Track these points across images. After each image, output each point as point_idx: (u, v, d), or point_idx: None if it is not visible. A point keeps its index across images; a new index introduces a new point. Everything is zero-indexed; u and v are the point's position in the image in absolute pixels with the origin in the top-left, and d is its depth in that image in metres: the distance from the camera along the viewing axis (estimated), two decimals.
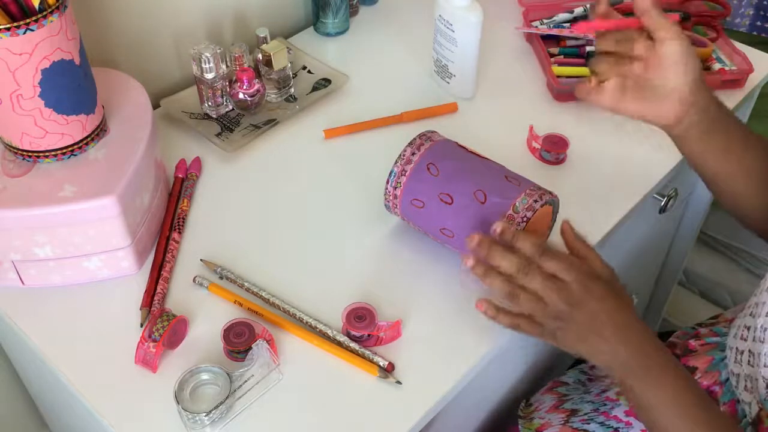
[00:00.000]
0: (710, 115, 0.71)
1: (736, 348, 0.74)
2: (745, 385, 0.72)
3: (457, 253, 0.78)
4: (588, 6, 1.06)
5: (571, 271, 0.65)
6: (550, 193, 0.73)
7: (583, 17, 1.07)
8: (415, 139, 0.77)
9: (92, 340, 0.72)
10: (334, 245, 0.81)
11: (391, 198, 0.77)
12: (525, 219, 0.71)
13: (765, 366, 0.67)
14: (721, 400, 0.76)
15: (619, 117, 0.78)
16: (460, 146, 0.78)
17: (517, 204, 0.71)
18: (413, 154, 0.76)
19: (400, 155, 0.76)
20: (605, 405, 0.86)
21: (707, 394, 0.65)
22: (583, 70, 1.00)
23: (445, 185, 0.74)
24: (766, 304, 0.69)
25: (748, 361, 0.71)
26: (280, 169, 0.90)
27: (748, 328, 0.72)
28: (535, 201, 0.72)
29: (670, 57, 0.67)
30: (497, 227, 0.67)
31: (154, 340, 0.68)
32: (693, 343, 0.84)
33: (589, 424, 0.85)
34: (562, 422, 0.87)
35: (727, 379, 0.76)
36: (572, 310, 0.64)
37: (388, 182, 0.76)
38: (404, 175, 0.75)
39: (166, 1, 0.94)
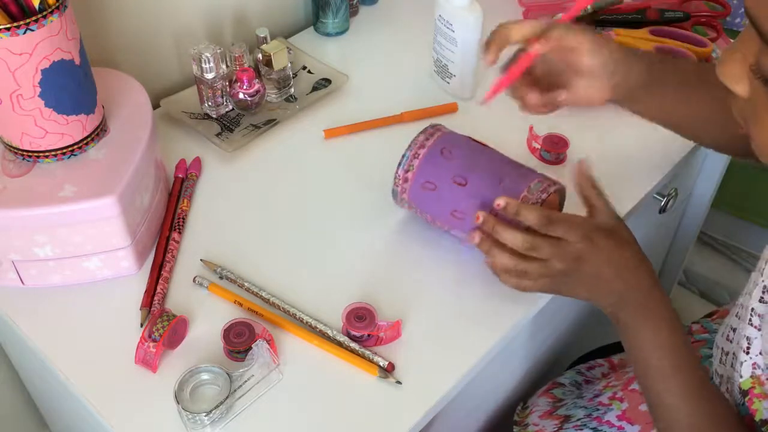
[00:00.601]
0: (640, 82, 0.75)
1: (722, 348, 0.74)
2: (727, 387, 0.72)
3: (458, 244, 0.79)
4: (588, 6, 1.06)
5: (576, 230, 0.67)
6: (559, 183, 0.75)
7: (583, 17, 1.07)
8: (426, 128, 0.78)
9: (92, 340, 0.72)
10: (334, 245, 0.81)
11: (400, 182, 0.77)
12: (540, 200, 0.72)
13: (741, 375, 0.68)
14: None
15: (620, 117, 0.78)
16: (471, 139, 0.79)
17: (531, 186, 0.73)
18: (426, 139, 0.77)
19: (412, 141, 0.77)
20: (598, 410, 0.86)
21: (693, 352, 0.68)
22: None
23: (459, 168, 0.75)
24: (747, 308, 0.69)
25: (731, 363, 0.71)
26: (280, 169, 0.90)
27: (734, 330, 0.72)
28: (549, 185, 0.73)
29: (586, 64, 0.73)
30: (500, 201, 0.69)
31: (154, 340, 0.68)
32: None
33: (582, 430, 0.85)
34: (556, 429, 0.87)
35: (711, 378, 0.76)
36: (579, 266, 0.67)
37: (399, 166, 0.77)
38: (417, 158, 0.76)
39: (166, 1, 0.94)
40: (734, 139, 0.79)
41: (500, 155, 0.77)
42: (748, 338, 0.67)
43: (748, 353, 0.66)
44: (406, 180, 0.77)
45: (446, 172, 0.75)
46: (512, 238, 0.68)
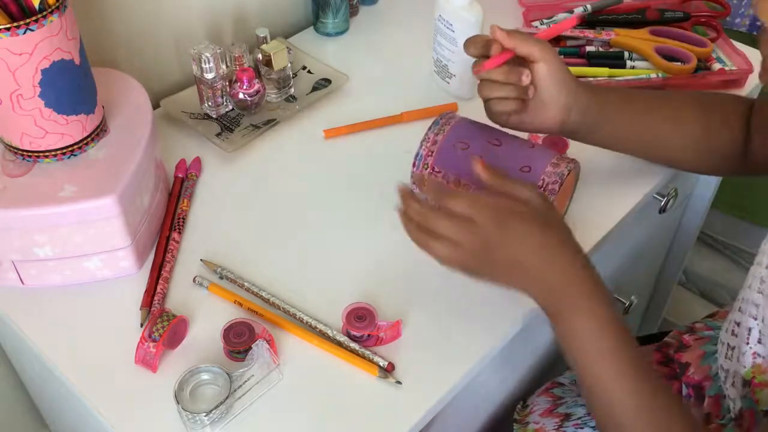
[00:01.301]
0: (594, 112, 0.77)
1: (727, 344, 0.74)
2: (733, 381, 0.72)
3: None
4: (588, 6, 1.07)
5: (483, 210, 0.63)
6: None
7: (583, 17, 1.07)
8: (437, 120, 0.79)
9: (92, 340, 0.72)
10: (334, 245, 0.81)
11: (428, 144, 0.78)
12: (571, 163, 0.75)
13: (741, 364, 0.67)
14: (707, 393, 0.76)
15: None
16: (479, 124, 0.80)
17: (561, 155, 0.76)
18: (437, 134, 0.78)
19: (424, 138, 0.78)
20: None
21: (629, 331, 0.64)
22: (584, 70, 1.00)
23: (493, 133, 0.77)
24: (747, 300, 0.69)
25: (737, 357, 0.71)
26: (280, 169, 0.90)
27: (738, 324, 0.72)
28: (570, 160, 0.75)
29: (541, 74, 0.72)
30: (399, 187, 0.67)
31: (154, 340, 0.68)
32: (687, 338, 0.85)
33: (582, 428, 0.85)
34: (556, 427, 0.87)
35: (716, 374, 0.77)
36: (488, 253, 0.63)
37: (414, 166, 0.78)
38: (448, 125, 0.78)
39: (166, 1, 0.94)
40: (696, 156, 0.82)
41: (513, 137, 0.79)
42: (749, 329, 0.67)
43: (748, 343, 0.67)
44: (435, 142, 0.77)
45: (481, 134, 0.77)
46: (409, 205, 0.66)
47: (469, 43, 0.74)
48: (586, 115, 0.76)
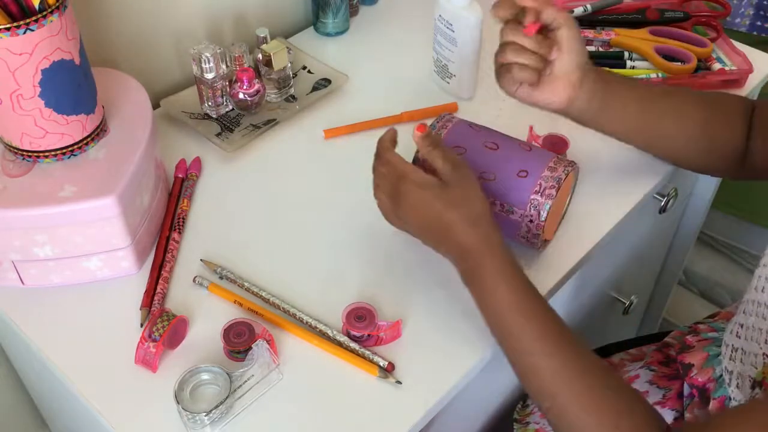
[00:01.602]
0: (599, 96, 0.77)
1: (732, 345, 0.74)
2: (737, 383, 0.72)
3: None
4: (588, 6, 1.07)
5: (388, 174, 0.71)
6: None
7: (583, 17, 1.07)
8: (433, 123, 0.78)
9: (92, 340, 0.72)
10: (334, 245, 0.81)
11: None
12: (570, 166, 0.74)
13: (752, 365, 0.67)
14: (712, 396, 0.76)
15: None
16: (476, 126, 0.80)
17: (559, 156, 0.75)
18: (452, 118, 0.78)
19: (437, 118, 0.78)
20: None
21: (541, 298, 0.67)
22: None
23: (490, 136, 0.77)
24: (755, 302, 0.69)
25: (741, 359, 0.71)
26: (280, 169, 0.90)
27: (742, 326, 0.72)
28: (568, 163, 0.75)
29: (564, 41, 0.73)
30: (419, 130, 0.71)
31: (154, 340, 0.68)
32: (690, 339, 0.84)
33: None
34: None
35: (721, 376, 0.76)
36: (395, 207, 0.71)
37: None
38: (444, 129, 0.77)
39: (166, 1, 0.94)
40: (696, 152, 0.81)
41: (510, 139, 0.79)
42: (760, 330, 0.67)
43: (759, 344, 0.67)
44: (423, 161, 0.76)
45: (477, 138, 0.76)
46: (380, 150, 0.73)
47: (497, 6, 0.74)
48: (592, 98, 0.77)
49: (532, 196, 0.73)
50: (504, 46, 0.75)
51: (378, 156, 0.73)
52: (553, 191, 0.72)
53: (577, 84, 0.75)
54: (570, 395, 0.62)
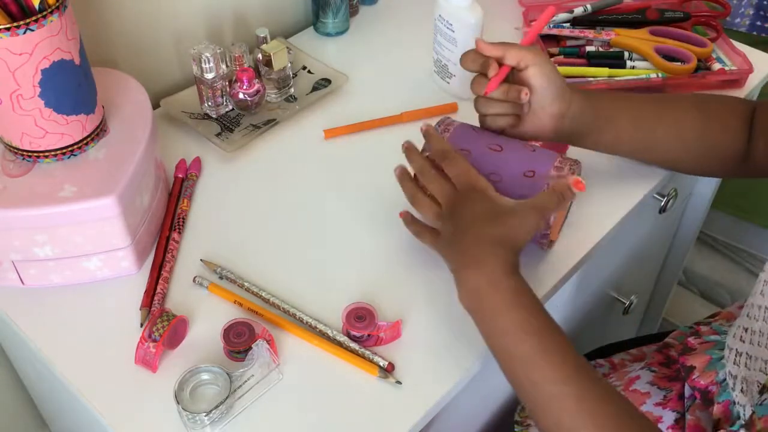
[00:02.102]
0: (587, 118, 0.77)
1: (736, 349, 0.74)
2: (742, 388, 0.72)
3: None
4: (588, 6, 1.07)
5: (464, 181, 0.70)
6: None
7: (583, 17, 1.07)
8: (435, 127, 0.78)
9: (92, 340, 0.72)
10: (334, 245, 0.81)
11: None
12: (575, 164, 0.73)
13: (761, 370, 0.67)
14: (716, 399, 0.76)
15: None
16: (478, 129, 0.79)
17: (563, 155, 0.74)
18: (447, 127, 0.77)
19: (424, 147, 0.76)
20: None
21: (556, 325, 0.64)
22: (584, 70, 1.00)
23: (493, 138, 0.76)
24: (762, 307, 0.69)
25: (746, 363, 0.71)
26: (280, 169, 0.90)
27: (746, 330, 0.72)
28: (573, 162, 0.74)
29: (533, 80, 0.73)
30: (423, 126, 0.73)
31: (154, 340, 0.68)
32: (692, 341, 0.84)
33: None
34: None
35: (724, 380, 0.76)
36: (453, 216, 0.69)
37: (423, 151, 0.76)
38: (447, 132, 0.77)
39: (166, 2, 0.94)
40: (695, 159, 0.81)
41: (512, 141, 0.78)
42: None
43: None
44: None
45: (481, 140, 0.76)
46: (412, 158, 0.73)
47: (465, 59, 0.75)
48: (580, 121, 0.77)
49: None
50: (476, 100, 0.77)
51: (447, 157, 0.72)
52: None
53: (559, 113, 0.75)
54: (593, 425, 0.59)
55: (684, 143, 0.80)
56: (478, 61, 0.74)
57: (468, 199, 0.69)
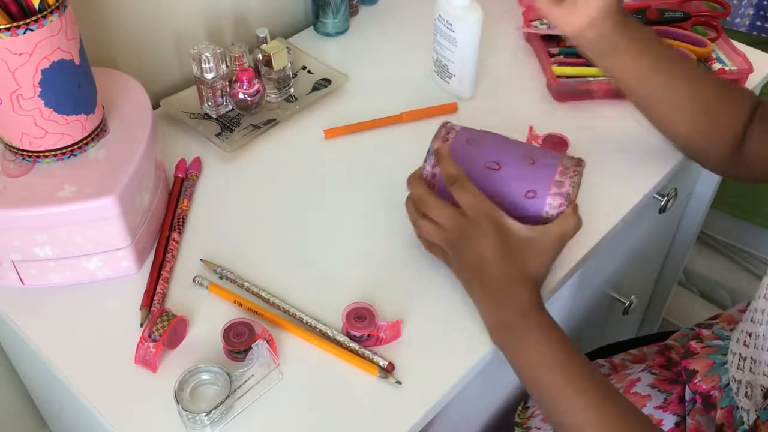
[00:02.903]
0: (611, 42, 0.77)
1: (739, 354, 0.73)
2: (746, 392, 0.72)
3: None
4: None
5: (479, 209, 0.68)
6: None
7: None
8: (441, 125, 0.77)
9: (92, 340, 0.72)
10: (334, 245, 0.81)
11: (429, 177, 0.74)
12: (576, 173, 0.72)
13: (764, 375, 0.67)
14: (719, 404, 0.76)
15: (620, 116, 0.77)
16: (474, 140, 0.77)
17: (564, 161, 0.73)
18: (448, 133, 0.75)
19: (434, 136, 0.75)
20: None
21: (583, 358, 0.66)
22: (583, 70, 1.00)
23: (490, 154, 0.74)
24: (765, 311, 0.69)
25: (750, 368, 0.71)
26: (280, 169, 0.90)
27: (750, 335, 0.72)
28: (579, 162, 0.73)
29: None
30: (434, 144, 0.72)
31: (154, 340, 0.68)
32: (694, 344, 0.84)
33: None
34: None
35: (728, 384, 0.76)
36: (463, 243, 0.68)
37: (426, 162, 0.74)
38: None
39: (166, 2, 0.94)
40: (697, 134, 0.80)
41: (518, 141, 0.77)
42: None
43: None
44: (434, 175, 0.74)
45: (478, 158, 0.74)
46: (412, 188, 0.72)
47: None
48: (605, 38, 0.77)
49: (545, 215, 0.71)
50: None
51: (457, 182, 0.69)
52: (563, 207, 0.71)
53: (595, 17, 0.75)
54: None
55: (692, 108, 0.79)
56: None
57: (482, 230, 0.67)
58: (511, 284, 0.66)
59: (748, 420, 0.72)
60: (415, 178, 0.74)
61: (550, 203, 0.71)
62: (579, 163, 0.73)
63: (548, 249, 0.69)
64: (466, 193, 0.69)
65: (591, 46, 0.78)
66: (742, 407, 0.73)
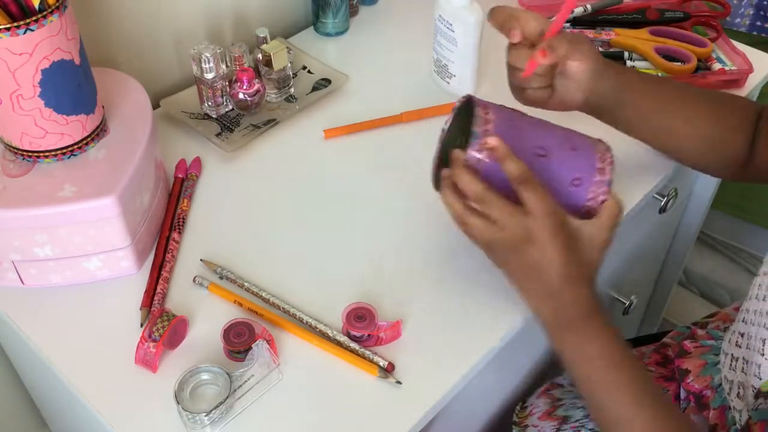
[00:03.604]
0: (614, 95, 0.76)
1: (731, 354, 0.74)
2: (738, 393, 0.72)
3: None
4: (588, 6, 1.07)
5: (547, 208, 0.63)
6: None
7: (583, 17, 1.07)
8: (469, 97, 0.72)
9: (92, 340, 0.72)
10: (335, 245, 0.81)
11: (474, 163, 0.67)
12: (612, 159, 0.70)
13: (755, 375, 0.67)
14: (711, 405, 0.76)
15: None
16: (517, 121, 0.73)
17: (597, 146, 0.71)
18: (487, 113, 0.69)
19: (475, 116, 0.68)
20: None
21: (635, 356, 0.66)
22: None
23: (535, 139, 0.70)
24: (758, 312, 0.69)
25: (742, 368, 0.71)
26: (280, 169, 0.90)
27: (742, 335, 0.72)
28: (607, 146, 0.72)
29: (576, 69, 0.74)
30: (491, 141, 0.65)
31: (154, 340, 0.68)
32: (688, 344, 0.84)
33: (580, 431, 0.85)
34: (554, 430, 0.87)
35: (720, 385, 0.76)
36: (525, 245, 0.64)
37: (470, 147, 0.67)
38: (488, 128, 0.68)
39: (166, 2, 0.94)
40: (703, 153, 0.81)
41: (550, 123, 0.74)
42: (763, 340, 0.67)
43: (764, 355, 0.66)
44: (478, 161, 0.67)
45: (524, 145, 0.69)
46: (468, 183, 0.64)
47: (496, 17, 0.74)
48: (606, 96, 0.77)
49: (587, 204, 0.70)
50: (513, 71, 0.76)
51: (527, 182, 0.64)
52: (606, 195, 0.69)
53: (589, 88, 0.75)
54: None
55: (696, 136, 0.80)
56: (505, 18, 0.73)
57: (549, 231, 0.63)
58: (574, 284, 0.65)
59: (740, 420, 0.72)
60: (464, 170, 0.66)
61: (594, 191, 0.69)
62: (608, 147, 0.71)
63: (605, 243, 0.68)
64: (535, 194, 0.63)
65: (595, 106, 0.78)
66: (734, 407, 0.73)
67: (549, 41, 0.72)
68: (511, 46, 0.75)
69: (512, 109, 0.73)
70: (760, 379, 0.66)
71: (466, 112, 0.72)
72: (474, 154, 0.67)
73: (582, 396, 0.67)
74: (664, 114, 0.79)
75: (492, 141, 0.65)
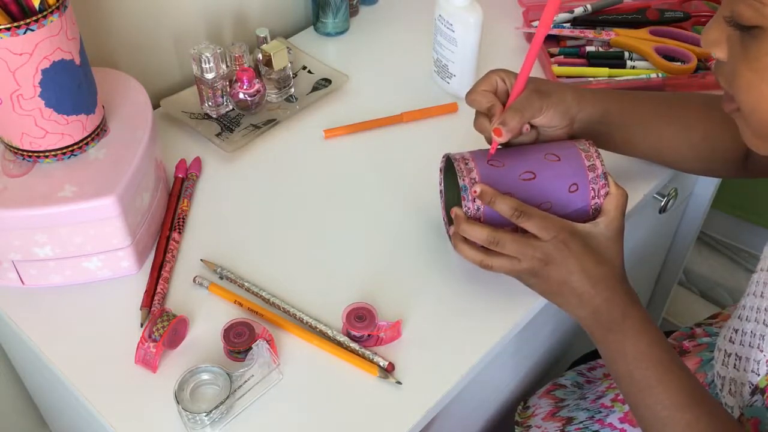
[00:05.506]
0: (597, 121, 0.76)
1: (725, 350, 0.74)
2: (730, 389, 0.72)
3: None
4: (588, 6, 1.07)
5: (550, 229, 0.67)
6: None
7: (583, 17, 1.07)
8: (449, 155, 0.74)
9: (92, 340, 0.72)
10: (334, 245, 0.81)
11: (474, 213, 0.71)
12: (597, 151, 0.72)
13: (752, 372, 0.67)
14: None
15: None
16: (494, 160, 0.74)
17: (579, 145, 0.72)
18: (467, 164, 0.72)
19: (458, 170, 0.71)
20: (600, 412, 0.86)
21: (676, 355, 0.67)
22: (584, 70, 1.00)
23: (518, 167, 0.72)
24: (754, 308, 0.69)
25: (734, 364, 0.71)
26: (280, 169, 0.90)
27: (737, 331, 0.72)
28: (589, 141, 0.73)
29: (545, 123, 0.74)
30: (476, 188, 0.69)
31: (154, 340, 0.68)
32: (687, 344, 0.85)
33: None
34: (559, 431, 0.87)
35: (713, 381, 0.76)
36: (546, 268, 0.67)
37: (464, 200, 0.70)
38: (470, 176, 0.71)
39: (166, 2, 0.94)
40: (699, 160, 0.81)
41: (529, 145, 0.75)
42: (762, 336, 0.67)
43: (762, 351, 0.67)
44: (478, 209, 0.70)
45: (509, 176, 0.71)
46: (475, 233, 0.68)
47: (473, 98, 0.74)
48: (590, 125, 0.77)
49: (591, 203, 0.71)
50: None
51: (524, 212, 0.67)
52: (606, 188, 0.71)
53: (569, 124, 0.75)
54: None
55: (690, 145, 0.80)
56: (485, 101, 0.73)
57: (563, 246, 0.66)
58: (603, 284, 0.66)
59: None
60: (468, 223, 0.69)
61: (594, 188, 0.71)
62: (590, 142, 0.73)
63: (618, 234, 0.69)
64: (534, 219, 0.67)
65: (582, 135, 0.77)
66: (726, 404, 0.73)
67: (501, 119, 0.71)
68: (476, 113, 0.74)
69: (486, 149, 0.74)
70: (758, 375, 0.67)
71: (451, 169, 0.76)
72: (470, 205, 0.70)
73: (622, 393, 0.67)
74: (654, 132, 0.80)
75: (477, 188, 0.69)
